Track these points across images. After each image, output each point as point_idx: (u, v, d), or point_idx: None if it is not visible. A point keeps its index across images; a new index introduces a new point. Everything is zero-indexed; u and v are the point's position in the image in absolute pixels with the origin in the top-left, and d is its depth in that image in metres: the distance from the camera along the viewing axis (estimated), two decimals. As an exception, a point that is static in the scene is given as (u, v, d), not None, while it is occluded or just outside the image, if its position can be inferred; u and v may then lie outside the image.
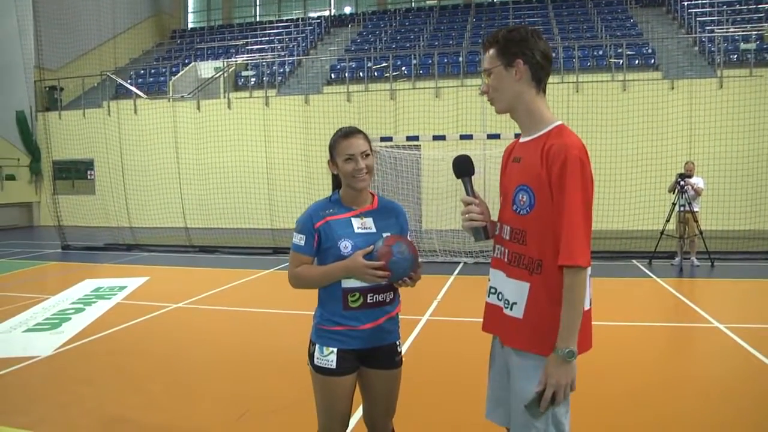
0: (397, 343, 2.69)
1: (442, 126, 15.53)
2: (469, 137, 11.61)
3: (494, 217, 2.38)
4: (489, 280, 2.35)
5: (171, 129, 17.52)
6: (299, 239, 2.59)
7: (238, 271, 10.79)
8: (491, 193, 2.34)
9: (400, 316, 2.73)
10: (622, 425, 4.13)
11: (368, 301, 2.53)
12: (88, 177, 21.86)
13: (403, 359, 2.76)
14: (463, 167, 2.41)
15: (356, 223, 2.57)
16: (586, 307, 2.16)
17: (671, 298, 8.26)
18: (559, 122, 2.20)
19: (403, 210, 2.78)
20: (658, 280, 9.39)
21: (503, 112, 2.29)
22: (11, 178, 21.46)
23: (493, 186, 2.52)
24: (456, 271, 10.32)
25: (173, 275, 10.93)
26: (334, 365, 2.53)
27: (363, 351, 2.58)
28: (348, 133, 2.59)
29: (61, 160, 21.16)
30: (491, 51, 2.22)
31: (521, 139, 2.29)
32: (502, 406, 2.33)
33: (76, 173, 22.26)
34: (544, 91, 2.26)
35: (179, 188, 16.00)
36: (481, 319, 2.39)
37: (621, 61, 17.54)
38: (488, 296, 2.35)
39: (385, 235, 2.53)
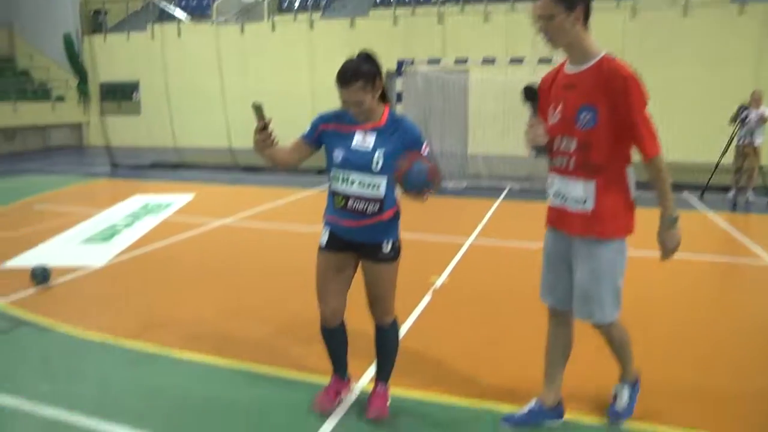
0: (384, 242, 2.92)
1: (491, 50, 15.02)
2: (519, 61, 11.22)
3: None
4: (551, 186, 2.82)
5: (214, 52, 17.36)
6: (306, 128, 2.99)
7: (283, 189, 10.90)
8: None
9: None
10: (655, 354, 4.07)
11: (347, 206, 2.84)
12: (134, 98, 22.05)
13: (398, 257, 2.99)
14: (532, 92, 2.84)
15: (357, 137, 2.83)
16: (632, 196, 2.72)
17: (721, 233, 8.02)
18: (605, 51, 2.62)
19: (411, 126, 2.89)
20: (710, 213, 9.09)
21: (559, 48, 2.67)
22: (60, 99, 21.79)
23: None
24: (501, 196, 10.19)
25: (219, 193, 11.08)
26: (324, 242, 2.99)
27: (352, 243, 2.94)
28: (342, 81, 2.74)
29: (107, 82, 21.37)
30: None
31: (572, 70, 2.70)
32: (556, 290, 2.92)
33: (122, 95, 22.49)
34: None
35: (224, 110, 16.01)
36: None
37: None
38: (552, 200, 2.84)
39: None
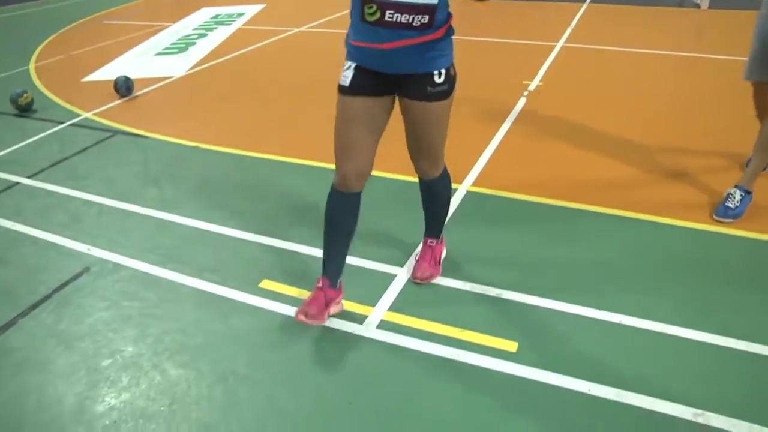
0: (436, 72, 2.09)
1: None
2: None
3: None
4: None
5: None
6: None
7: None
8: None
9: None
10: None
11: (386, 18, 1.94)
12: None
13: (453, 89, 2.18)
14: None
15: None
16: None
17: None
18: None
19: None
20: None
21: None
22: None
23: None
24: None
25: (290, 1, 10.57)
26: (347, 82, 2.14)
27: (391, 76, 2.11)
28: None
29: None
30: None
31: None
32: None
33: None
34: None
35: None
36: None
37: None
38: None
39: None
